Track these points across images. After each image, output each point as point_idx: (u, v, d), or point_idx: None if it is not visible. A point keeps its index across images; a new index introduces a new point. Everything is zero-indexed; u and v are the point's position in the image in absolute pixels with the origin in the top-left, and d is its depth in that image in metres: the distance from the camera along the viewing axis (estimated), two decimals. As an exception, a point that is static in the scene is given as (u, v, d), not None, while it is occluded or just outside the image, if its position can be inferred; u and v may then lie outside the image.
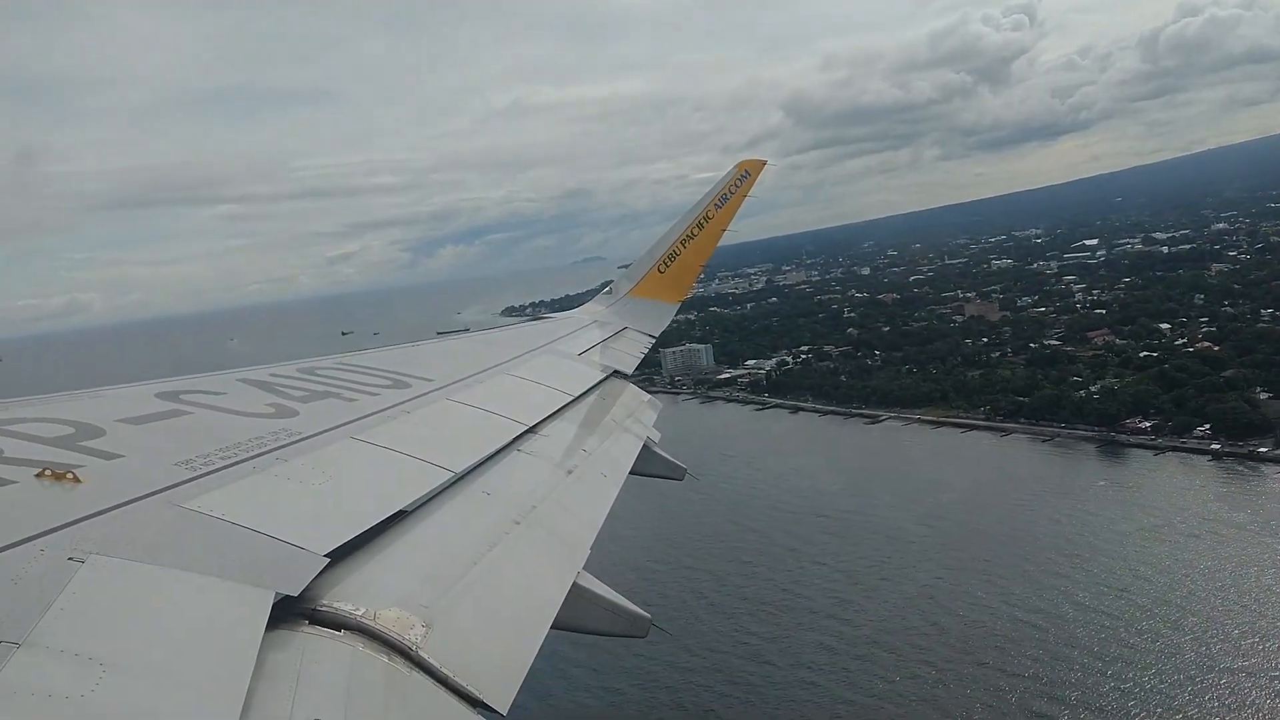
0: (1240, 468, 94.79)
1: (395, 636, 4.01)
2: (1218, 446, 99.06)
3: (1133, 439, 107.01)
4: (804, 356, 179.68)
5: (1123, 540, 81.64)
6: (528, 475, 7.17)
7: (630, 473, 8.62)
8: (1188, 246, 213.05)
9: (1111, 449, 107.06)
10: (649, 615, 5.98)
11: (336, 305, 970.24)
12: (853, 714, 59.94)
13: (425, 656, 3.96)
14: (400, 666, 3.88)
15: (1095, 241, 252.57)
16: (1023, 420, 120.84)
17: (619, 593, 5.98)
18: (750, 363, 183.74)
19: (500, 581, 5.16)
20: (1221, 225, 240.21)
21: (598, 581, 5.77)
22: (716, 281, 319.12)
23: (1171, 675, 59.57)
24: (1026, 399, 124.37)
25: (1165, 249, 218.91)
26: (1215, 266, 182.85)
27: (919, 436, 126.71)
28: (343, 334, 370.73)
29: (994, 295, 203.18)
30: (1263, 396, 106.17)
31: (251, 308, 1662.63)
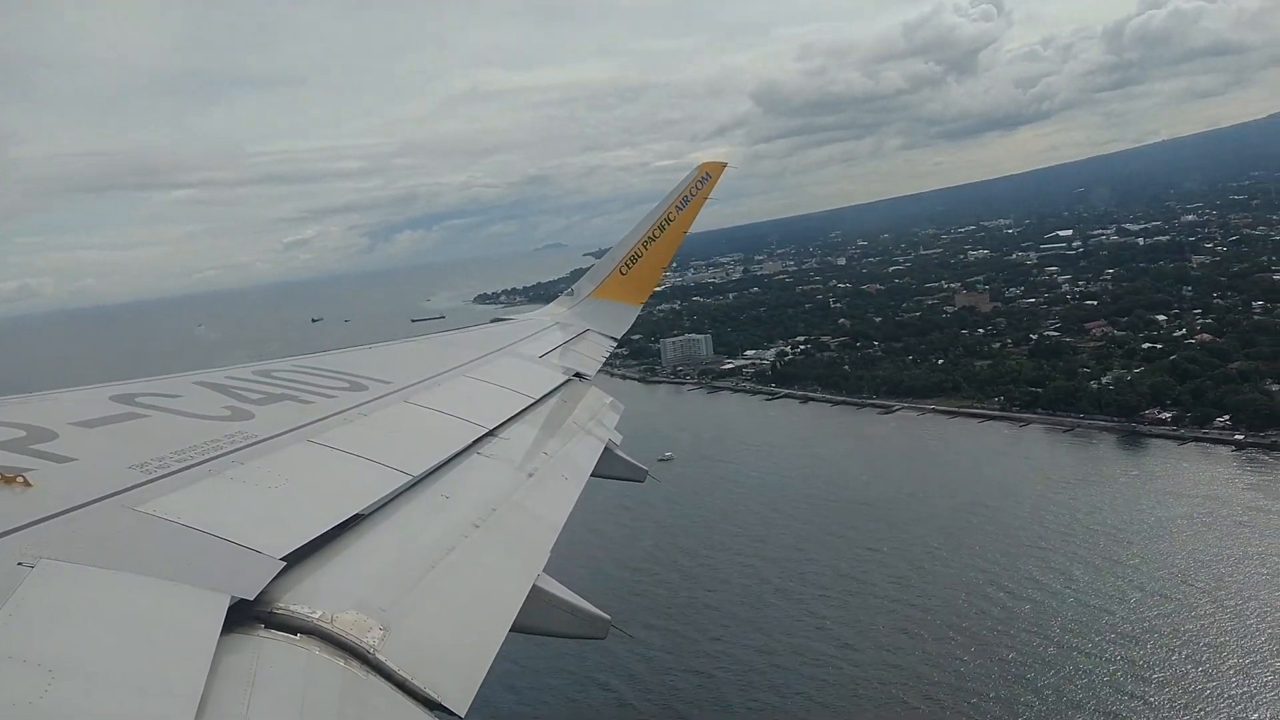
0: (1266, 458, 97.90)
1: (352, 640, 4.01)
2: (1241, 437, 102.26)
3: (1154, 430, 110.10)
4: (802, 347, 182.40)
5: (1169, 528, 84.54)
6: (487, 478, 7.15)
7: (592, 475, 8.65)
8: (1163, 238, 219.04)
9: (1133, 440, 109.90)
10: (609, 617, 6.04)
11: (297, 291, 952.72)
12: (947, 694, 62.06)
13: (383, 660, 3.97)
14: (357, 670, 3.88)
15: (1070, 232, 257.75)
16: (1039, 411, 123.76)
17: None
18: (750, 353, 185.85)
19: (459, 584, 5.16)
20: (1191, 217, 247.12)
21: (557, 584, 5.80)
22: (692, 270, 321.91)
23: (1251, 655, 62.60)
24: (1040, 390, 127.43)
25: (1140, 240, 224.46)
26: (1195, 258, 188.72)
27: (936, 427, 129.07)
28: (313, 320, 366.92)
29: (979, 286, 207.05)
30: (1274, 388, 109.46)
31: (208, 294, 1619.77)
